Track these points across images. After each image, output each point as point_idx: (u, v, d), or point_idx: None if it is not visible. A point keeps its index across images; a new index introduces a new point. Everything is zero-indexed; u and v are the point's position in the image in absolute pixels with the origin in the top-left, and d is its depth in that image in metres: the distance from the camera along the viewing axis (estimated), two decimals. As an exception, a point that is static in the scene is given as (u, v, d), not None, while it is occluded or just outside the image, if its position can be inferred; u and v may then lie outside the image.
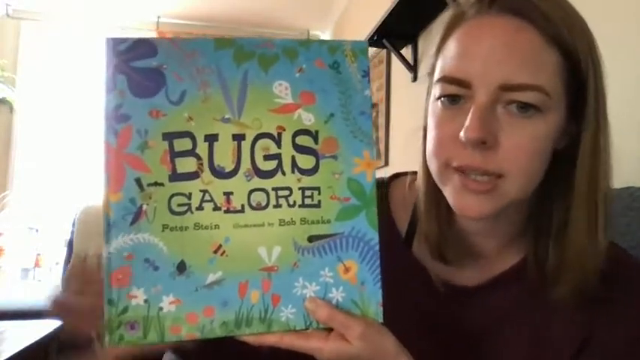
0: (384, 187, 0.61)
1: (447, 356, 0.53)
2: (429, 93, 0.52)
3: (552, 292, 0.49)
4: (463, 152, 0.46)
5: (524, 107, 0.44)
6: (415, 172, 0.59)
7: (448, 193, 0.49)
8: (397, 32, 2.12)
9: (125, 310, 0.42)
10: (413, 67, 2.12)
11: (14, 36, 3.79)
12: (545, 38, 0.44)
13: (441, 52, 0.50)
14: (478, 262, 0.55)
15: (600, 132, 0.47)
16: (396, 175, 0.64)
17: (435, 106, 0.49)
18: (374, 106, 2.67)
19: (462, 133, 0.44)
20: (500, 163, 0.45)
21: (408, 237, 0.57)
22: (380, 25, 2.04)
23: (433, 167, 0.50)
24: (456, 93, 0.47)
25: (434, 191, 0.52)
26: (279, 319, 0.43)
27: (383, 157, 2.45)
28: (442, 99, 0.48)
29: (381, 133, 2.51)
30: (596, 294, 0.48)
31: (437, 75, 0.49)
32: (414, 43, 2.12)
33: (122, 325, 0.42)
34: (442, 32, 0.50)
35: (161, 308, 0.42)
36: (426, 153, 0.51)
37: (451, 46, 0.48)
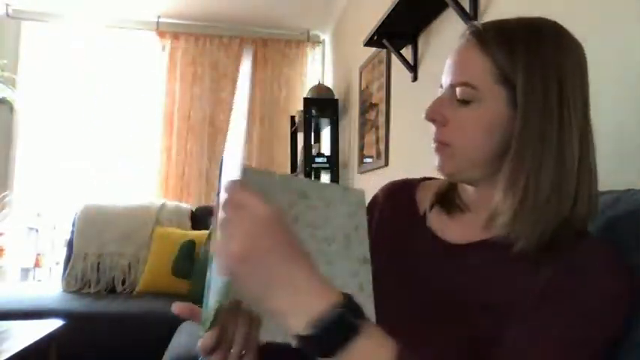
0: (414, 184, 0.83)
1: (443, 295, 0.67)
2: None
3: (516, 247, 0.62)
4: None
5: (462, 98, 0.64)
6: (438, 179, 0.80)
7: None
8: (397, 32, 2.12)
9: None
10: (413, 67, 2.11)
11: (14, 36, 3.79)
12: (481, 52, 0.64)
13: None
14: (471, 229, 0.70)
15: (528, 118, 0.61)
16: (425, 179, 0.85)
17: None
18: (374, 106, 2.68)
19: None
20: (447, 136, 0.66)
21: (425, 216, 0.77)
22: (380, 25, 2.04)
23: None
24: (440, 91, 0.69)
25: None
26: None
27: (383, 157, 2.44)
28: None
29: (381, 133, 2.51)
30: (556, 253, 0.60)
31: None
32: (414, 43, 2.12)
33: None
34: None
35: None
36: None
37: None
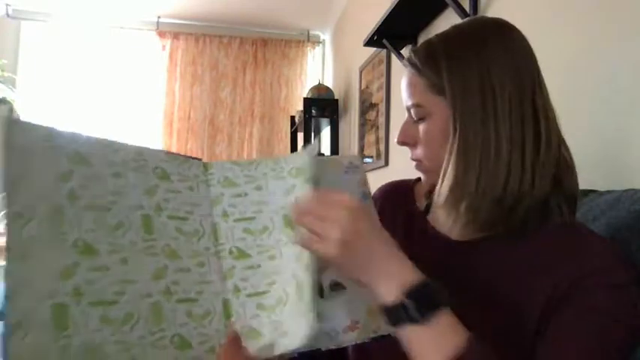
0: (411, 183, 0.87)
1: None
2: None
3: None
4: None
5: (417, 117, 0.71)
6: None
7: None
8: (397, 32, 2.11)
9: None
10: (413, 67, 2.11)
11: (14, 36, 3.79)
12: (416, 74, 0.70)
13: None
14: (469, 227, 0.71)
15: (459, 119, 0.65)
16: (420, 179, 0.85)
17: None
18: (374, 106, 2.68)
19: None
20: (418, 154, 0.72)
21: (426, 211, 0.80)
22: (380, 25, 2.04)
23: None
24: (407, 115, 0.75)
25: None
26: None
27: (383, 157, 2.45)
28: None
29: (381, 133, 2.51)
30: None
31: None
32: (414, 43, 2.12)
33: None
34: None
35: None
36: None
37: None
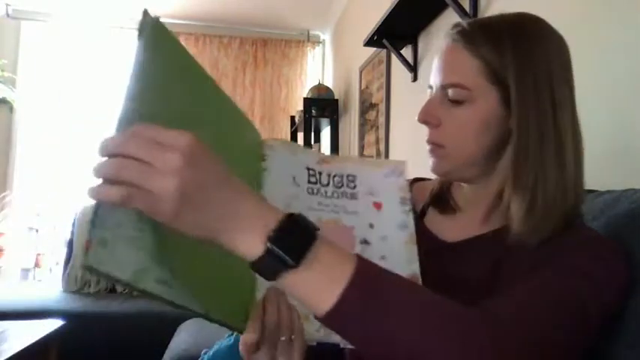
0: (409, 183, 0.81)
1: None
2: None
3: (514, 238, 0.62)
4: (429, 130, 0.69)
5: (454, 99, 0.64)
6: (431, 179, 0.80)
7: None
8: (397, 32, 2.11)
9: None
10: (413, 67, 2.11)
11: (14, 36, 3.79)
12: (470, 51, 0.63)
13: None
14: (467, 227, 0.70)
15: (525, 117, 0.61)
16: (417, 179, 0.85)
17: None
18: (374, 106, 2.67)
19: None
20: (440, 137, 0.66)
21: (422, 215, 0.78)
22: (380, 25, 2.04)
23: None
24: (430, 93, 0.69)
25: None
26: None
27: (383, 157, 2.45)
28: None
29: (381, 133, 2.51)
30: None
31: None
32: (414, 43, 2.12)
33: None
34: None
35: None
36: None
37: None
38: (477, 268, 0.66)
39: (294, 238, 0.44)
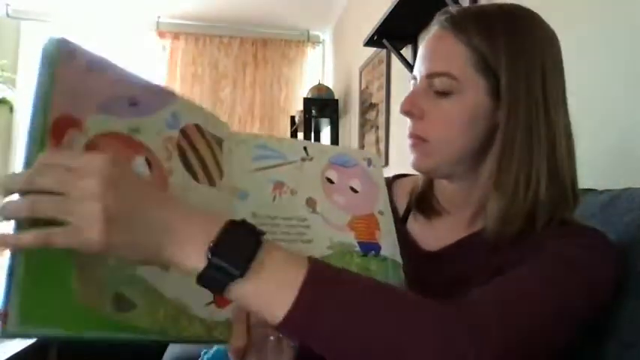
0: (388, 182, 0.75)
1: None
2: None
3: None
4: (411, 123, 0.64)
5: (440, 90, 0.59)
6: (414, 175, 0.75)
7: None
8: (397, 32, 2.11)
9: None
10: (413, 67, 2.11)
11: (14, 36, 3.79)
12: (459, 39, 0.59)
13: None
14: (453, 231, 0.66)
15: (514, 108, 0.57)
16: (399, 176, 0.81)
17: None
18: (374, 105, 2.68)
19: None
20: (424, 131, 0.61)
21: (404, 218, 0.73)
22: (380, 25, 2.04)
23: None
24: (414, 83, 0.65)
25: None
26: None
27: (383, 157, 2.45)
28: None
29: (381, 133, 2.51)
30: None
31: None
32: (414, 43, 2.12)
33: None
34: None
35: None
36: None
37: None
38: (458, 277, 0.62)
39: (237, 247, 0.41)
